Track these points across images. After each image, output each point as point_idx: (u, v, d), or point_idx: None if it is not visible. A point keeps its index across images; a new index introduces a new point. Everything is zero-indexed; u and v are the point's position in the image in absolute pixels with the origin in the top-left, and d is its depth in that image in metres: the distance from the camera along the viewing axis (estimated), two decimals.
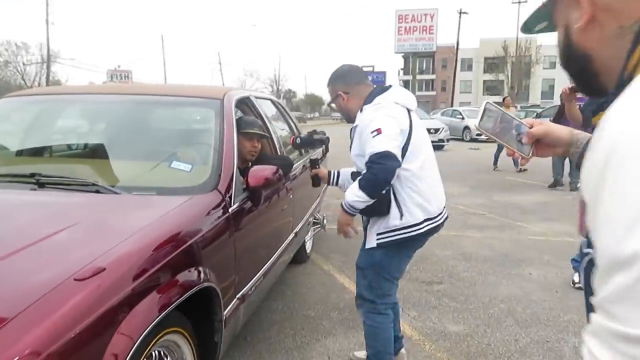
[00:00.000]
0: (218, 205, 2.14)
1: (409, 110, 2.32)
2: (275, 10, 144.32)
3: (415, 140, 2.26)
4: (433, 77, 66.87)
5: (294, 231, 3.35)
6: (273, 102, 4.05)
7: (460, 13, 45.26)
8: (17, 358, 1.14)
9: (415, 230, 2.25)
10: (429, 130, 14.97)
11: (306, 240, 4.45)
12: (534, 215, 6.56)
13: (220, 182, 2.24)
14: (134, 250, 1.60)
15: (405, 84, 61.98)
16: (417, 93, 61.74)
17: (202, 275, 1.84)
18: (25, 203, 1.94)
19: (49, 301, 1.30)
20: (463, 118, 22.31)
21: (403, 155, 2.20)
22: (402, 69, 65.97)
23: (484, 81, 60.97)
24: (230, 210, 2.20)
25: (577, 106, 3.97)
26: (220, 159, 2.36)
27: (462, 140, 21.72)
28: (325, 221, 4.57)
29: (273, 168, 2.51)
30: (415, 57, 38.70)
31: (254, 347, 2.89)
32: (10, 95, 2.92)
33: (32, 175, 2.10)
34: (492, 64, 57.01)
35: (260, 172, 2.48)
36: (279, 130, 3.79)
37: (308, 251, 4.52)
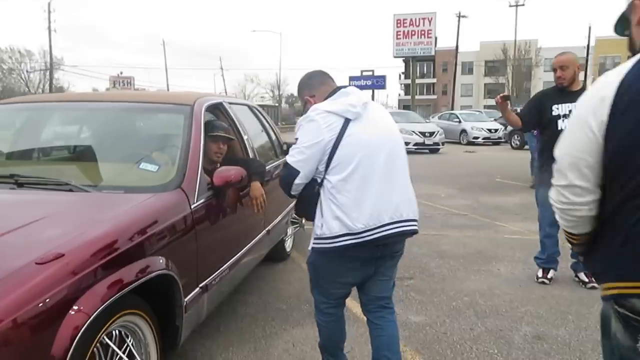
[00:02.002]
0: (180, 202, 2.35)
1: (347, 119, 2.17)
2: (275, 15, 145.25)
3: (345, 151, 2.13)
4: (434, 80, 67.07)
5: (266, 229, 3.55)
6: (250, 107, 4.27)
7: (459, 17, 45.54)
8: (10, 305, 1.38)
9: (330, 243, 2.13)
10: (423, 133, 15.29)
11: (285, 239, 4.66)
12: (513, 215, 6.75)
13: (184, 181, 2.46)
14: (93, 239, 1.82)
15: (406, 88, 62.31)
16: (418, 97, 61.90)
17: (159, 263, 2.05)
18: (3, 200, 2.17)
19: (12, 279, 1.51)
20: (460, 121, 22.54)
21: (327, 166, 2.14)
22: (403, 73, 66.24)
23: (485, 84, 61.23)
24: (192, 207, 2.41)
25: (514, 111, 4.18)
26: (186, 160, 2.57)
27: (460, 143, 21.93)
28: (303, 221, 4.76)
29: (238, 169, 2.73)
30: (415, 61, 38.94)
31: (226, 337, 3.09)
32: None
33: (12, 176, 2.32)
34: (493, 67, 57.29)
35: (225, 172, 2.70)
36: (256, 134, 4.01)
37: (288, 249, 4.72)
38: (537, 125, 4.06)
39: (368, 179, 2.14)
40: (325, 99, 2.29)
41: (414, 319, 3.41)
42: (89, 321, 1.64)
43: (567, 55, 3.93)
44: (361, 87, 39.69)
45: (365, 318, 2.54)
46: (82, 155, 2.87)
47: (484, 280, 4.20)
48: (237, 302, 3.60)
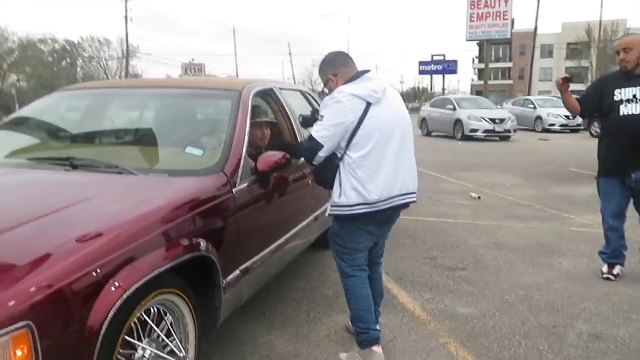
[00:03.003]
0: (221, 186, 2.40)
1: (369, 103, 2.45)
2: (343, 0, 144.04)
3: (365, 132, 2.43)
4: (510, 65, 64.34)
5: (314, 215, 3.57)
6: (302, 93, 4.28)
7: None
8: (34, 288, 1.48)
9: (349, 211, 2.49)
10: (493, 120, 14.81)
11: None
12: (584, 207, 6.37)
13: (227, 166, 2.51)
14: (131, 219, 1.91)
15: (480, 73, 60.16)
16: (493, 82, 59.68)
17: (197, 245, 2.11)
18: (57, 181, 2.31)
19: (52, 256, 1.62)
20: (535, 108, 21.53)
21: (349, 144, 2.45)
22: (477, 57, 63.98)
23: (566, 68, 57.83)
24: (234, 191, 2.46)
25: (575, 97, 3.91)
26: (230, 145, 2.62)
27: (534, 131, 20.97)
28: None
29: (282, 155, 2.76)
30: (489, 45, 37.46)
31: (269, 321, 3.15)
32: (61, 89, 3.39)
33: (68, 159, 2.47)
34: (575, 50, 54.02)
35: (269, 157, 2.73)
36: None
37: None
38: (597, 111, 3.82)
39: (383, 157, 2.48)
40: (347, 80, 2.56)
41: (462, 310, 3.32)
42: (124, 296, 1.72)
43: (632, 36, 3.68)
44: (432, 72, 38.93)
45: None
46: (133, 139, 3.01)
47: (542, 274, 4.01)
48: (285, 288, 3.65)
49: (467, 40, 34.63)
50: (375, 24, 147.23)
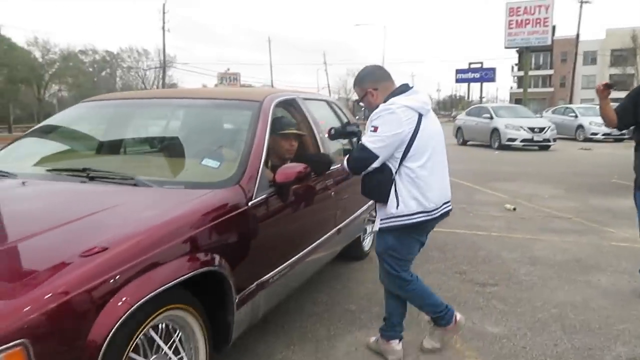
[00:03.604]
0: (236, 198, 2.35)
1: (421, 115, 2.57)
2: (379, 7, 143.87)
3: (420, 142, 2.54)
4: (551, 72, 62.78)
5: (337, 227, 3.49)
6: (328, 103, 4.22)
7: (581, 2, 42.15)
8: (30, 304, 1.46)
9: (408, 220, 2.56)
10: (532, 129, 14.48)
11: (364, 238, 4.57)
12: (626, 221, 6.05)
13: (243, 178, 2.46)
14: (139, 233, 1.87)
15: (519, 81, 58.88)
16: (533, 90, 58.33)
17: (207, 259, 2.06)
18: (73, 193, 2.32)
19: (55, 270, 1.60)
20: (576, 116, 20.88)
21: (405, 154, 2.53)
22: (516, 65, 62.70)
23: (610, 75, 55.96)
24: (250, 203, 2.41)
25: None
26: (247, 157, 2.58)
27: (575, 140, 20.33)
28: None
29: (302, 167, 2.69)
30: (529, 52, 36.64)
31: (288, 334, 3.08)
32: (86, 100, 3.43)
33: (84, 169, 2.47)
34: (620, 57, 52.27)
35: (288, 169, 2.67)
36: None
37: (366, 248, 4.62)
38: (633, 122, 3.60)
39: (435, 165, 2.62)
40: (390, 95, 2.63)
41: (491, 329, 3.17)
42: (129, 312, 1.68)
43: None
44: (469, 80, 38.33)
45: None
46: (152, 150, 3.02)
47: (579, 291, 3.81)
48: (306, 301, 3.58)
49: (506, 48, 34.01)
50: (411, 32, 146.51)
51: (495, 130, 16.51)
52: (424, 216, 2.58)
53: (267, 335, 3.05)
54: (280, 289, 2.76)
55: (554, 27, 39.80)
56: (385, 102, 2.61)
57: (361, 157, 2.55)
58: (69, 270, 1.61)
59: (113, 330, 1.64)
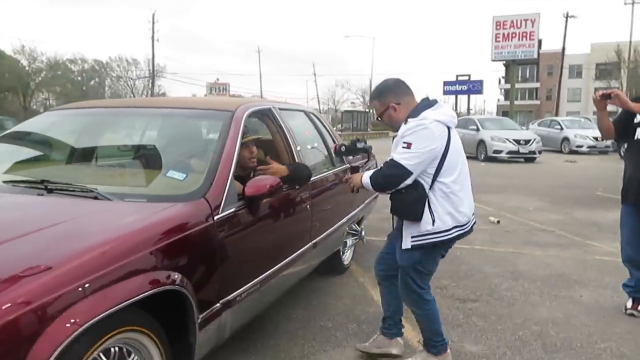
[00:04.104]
0: (200, 213, 2.24)
1: (449, 128, 2.54)
2: (369, 19, 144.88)
3: (452, 157, 2.51)
4: (537, 85, 63.45)
5: (313, 242, 3.38)
6: (306, 113, 4.13)
7: (566, 17, 42.66)
8: None
9: (445, 236, 2.54)
10: (518, 141, 14.51)
11: (344, 251, 4.46)
12: (610, 234, 5.98)
13: (209, 191, 2.35)
14: (89, 250, 1.75)
15: (506, 93, 59.41)
16: (520, 102, 58.89)
17: (166, 277, 1.95)
18: (28, 206, 2.20)
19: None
20: (562, 129, 21.02)
21: (439, 170, 2.49)
22: (503, 77, 63.29)
23: (595, 89, 56.46)
24: (215, 218, 2.29)
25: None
26: (215, 169, 2.47)
27: (561, 152, 20.43)
28: (363, 232, 4.53)
29: (274, 179, 2.59)
30: (515, 65, 37.03)
31: (261, 354, 2.95)
32: (53, 109, 3.30)
33: (42, 181, 2.35)
34: (605, 70, 52.89)
35: (259, 182, 2.57)
36: (309, 141, 3.87)
37: (346, 262, 4.51)
38: (626, 134, 3.53)
39: (465, 179, 2.62)
40: (413, 109, 2.57)
41: (469, 348, 3.07)
42: (73, 336, 1.56)
43: None
44: (456, 92, 38.56)
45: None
46: (116, 161, 2.90)
47: (561, 307, 3.73)
48: (282, 317, 3.45)
49: (492, 60, 34.47)
50: (399, 44, 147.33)
51: (481, 142, 16.54)
52: (458, 230, 2.57)
53: (237, 354, 2.92)
54: (250, 306, 2.64)
55: (540, 41, 40.25)
56: (411, 117, 2.53)
57: (395, 174, 2.46)
58: (8, 291, 1.49)
59: (55, 355, 1.51)
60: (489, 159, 16.18)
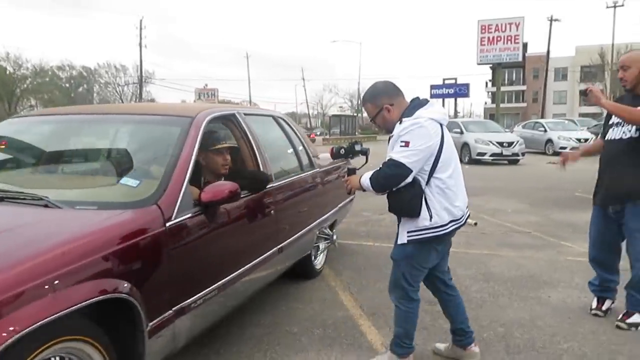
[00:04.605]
0: (152, 219, 2.23)
1: (441, 125, 2.62)
2: (356, 24, 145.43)
3: (446, 153, 2.60)
4: (524, 88, 64.05)
5: (279, 246, 3.37)
6: (275, 118, 4.12)
7: (551, 20, 43.13)
8: None
9: (442, 230, 2.61)
10: (501, 143, 14.58)
11: (315, 256, 4.46)
12: (584, 235, 5.99)
13: (162, 198, 2.34)
14: (29, 257, 1.74)
15: (493, 96, 59.87)
16: (507, 105, 59.36)
17: (112, 285, 1.93)
18: None
19: None
20: (545, 130, 21.17)
21: (435, 166, 2.56)
22: (490, 80, 63.81)
23: (580, 91, 57.08)
24: (167, 225, 2.28)
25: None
26: (170, 175, 2.46)
27: (545, 154, 20.57)
28: (335, 236, 4.53)
29: (231, 185, 2.58)
30: (502, 68, 37.25)
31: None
32: (15, 116, 3.27)
33: None
34: (589, 73, 53.45)
35: (216, 188, 2.56)
36: (276, 146, 3.87)
37: (319, 267, 4.51)
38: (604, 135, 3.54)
39: (459, 174, 2.71)
40: (406, 109, 2.65)
41: (433, 351, 3.07)
42: (6, 344, 1.54)
43: (630, 53, 3.42)
44: (443, 96, 38.73)
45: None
46: (71, 169, 2.88)
47: (528, 308, 3.75)
48: (248, 323, 3.44)
49: (478, 64, 34.61)
50: (387, 48, 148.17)
51: (465, 145, 16.62)
52: (454, 224, 2.67)
53: None
54: (208, 312, 2.62)
55: (525, 44, 40.57)
56: (405, 116, 2.60)
57: (396, 173, 2.52)
58: None
59: None
60: (473, 162, 16.26)
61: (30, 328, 1.62)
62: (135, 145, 2.96)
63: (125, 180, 2.45)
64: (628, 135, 3.26)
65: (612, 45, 39.97)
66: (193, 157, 2.63)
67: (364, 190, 2.73)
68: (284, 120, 4.23)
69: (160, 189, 2.39)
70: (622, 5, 39.97)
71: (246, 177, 3.08)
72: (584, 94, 3.41)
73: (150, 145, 2.92)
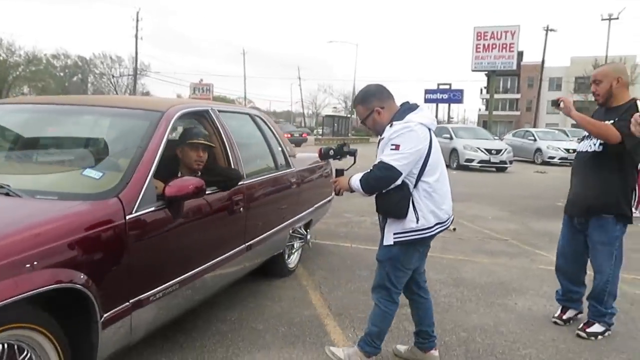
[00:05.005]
0: (111, 212, 2.25)
1: (430, 130, 2.69)
2: (353, 26, 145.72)
3: (434, 157, 2.67)
4: (518, 96, 64.35)
5: (247, 244, 3.39)
6: (251, 116, 4.15)
7: (546, 30, 43.47)
8: None
9: (427, 233, 2.68)
10: (489, 151, 14.66)
11: (289, 254, 4.49)
12: None
13: (124, 190, 2.36)
14: None
15: (487, 103, 60.17)
16: (500, 112, 59.67)
17: (63, 275, 1.95)
18: None
19: None
20: (535, 140, 21.34)
21: (423, 170, 2.63)
22: (485, 87, 64.09)
23: (574, 102, 57.29)
24: (127, 217, 2.30)
25: None
26: (134, 169, 2.48)
27: (533, 162, 20.74)
28: (309, 236, 4.56)
29: (196, 181, 2.60)
30: (496, 76, 37.43)
31: (183, 354, 2.96)
32: None
33: None
34: (583, 84, 53.78)
35: (180, 183, 2.58)
36: (251, 144, 3.89)
37: (292, 265, 4.54)
38: None
39: (445, 178, 2.77)
40: (396, 113, 2.72)
41: (393, 352, 3.11)
42: None
43: (603, 67, 3.46)
44: (437, 101, 38.86)
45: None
46: (36, 159, 2.90)
47: (493, 314, 3.80)
48: (215, 318, 3.46)
49: (473, 70, 34.73)
50: (383, 50, 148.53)
51: (454, 151, 16.73)
52: (439, 227, 2.72)
53: (160, 354, 2.92)
54: (169, 306, 2.64)
55: (521, 53, 40.75)
56: (395, 120, 2.66)
57: (386, 175, 2.57)
58: None
59: None
60: (461, 168, 16.36)
61: None
62: (103, 137, 2.98)
63: (88, 171, 2.46)
64: (592, 149, 3.31)
65: (606, 57, 40.31)
66: (159, 152, 2.65)
67: (352, 192, 2.77)
68: (261, 119, 4.25)
69: (123, 181, 2.41)
70: (617, 19, 40.31)
71: (217, 174, 3.11)
72: (555, 104, 3.45)
73: (119, 138, 2.94)
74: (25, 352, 1.93)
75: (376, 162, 2.63)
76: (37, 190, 2.33)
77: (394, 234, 2.67)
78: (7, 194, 2.26)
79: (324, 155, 3.18)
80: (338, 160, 3.37)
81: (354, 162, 3.25)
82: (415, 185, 2.64)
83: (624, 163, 3.21)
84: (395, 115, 2.70)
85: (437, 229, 2.71)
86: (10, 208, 2.14)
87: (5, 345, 1.84)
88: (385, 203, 2.68)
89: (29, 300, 1.84)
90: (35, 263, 1.87)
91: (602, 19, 39.75)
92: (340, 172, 2.94)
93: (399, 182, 2.58)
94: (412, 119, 2.63)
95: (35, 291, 1.83)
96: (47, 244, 1.94)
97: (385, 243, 2.74)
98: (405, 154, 2.55)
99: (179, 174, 3.00)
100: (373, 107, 2.77)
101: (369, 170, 2.66)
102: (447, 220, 2.78)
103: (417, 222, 2.63)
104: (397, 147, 2.56)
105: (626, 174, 3.25)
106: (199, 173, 3.07)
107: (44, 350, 1.96)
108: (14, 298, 1.76)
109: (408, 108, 2.73)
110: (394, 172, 2.55)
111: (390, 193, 2.63)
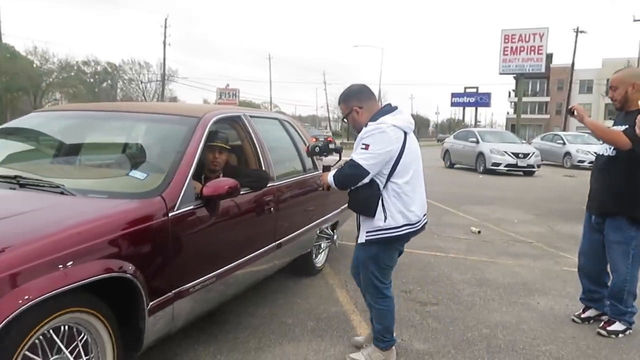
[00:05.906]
0: (155, 209, 2.46)
1: (406, 133, 2.77)
2: (379, 29, 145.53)
3: (406, 160, 2.75)
4: (547, 99, 63.32)
5: (277, 242, 3.58)
6: (280, 121, 4.35)
7: (576, 32, 42.82)
8: None
9: (395, 232, 2.76)
10: (517, 154, 14.57)
11: (316, 254, 4.66)
12: None
13: (167, 190, 2.57)
14: (43, 236, 1.98)
15: (515, 106, 59.47)
16: (529, 116, 58.89)
17: (115, 265, 2.16)
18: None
19: None
20: (564, 143, 21.07)
21: (393, 171, 2.72)
22: (513, 90, 63.30)
23: (606, 105, 56.40)
24: (170, 214, 2.51)
25: None
26: (175, 170, 2.69)
27: (562, 166, 20.49)
28: (336, 237, 4.73)
29: (231, 182, 2.80)
30: (525, 79, 37.02)
31: (219, 344, 3.16)
32: (38, 110, 3.56)
33: (15, 177, 2.59)
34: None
35: (217, 183, 2.79)
36: (280, 148, 4.09)
37: (319, 265, 4.71)
38: None
39: (417, 181, 2.84)
40: (375, 114, 2.82)
41: (417, 346, 3.25)
42: (19, 310, 1.78)
43: (618, 73, 3.55)
44: (464, 104, 38.70)
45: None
46: (87, 161, 3.15)
47: (515, 313, 3.90)
48: (246, 313, 3.66)
49: (500, 74, 34.42)
50: (410, 54, 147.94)
51: (480, 154, 16.68)
52: (408, 228, 2.79)
53: (197, 344, 3.13)
54: (206, 298, 2.84)
55: (550, 55, 40.21)
56: (371, 120, 2.77)
57: (353, 173, 2.71)
58: None
59: (3, 324, 1.73)
60: (488, 171, 16.30)
61: (42, 297, 1.85)
62: (146, 141, 3.21)
63: (133, 173, 2.69)
64: (607, 153, 3.42)
65: (638, 59, 39.39)
66: (197, 154, 2.87)
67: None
68: (289, 123, 4.45)
69: (165, 182, 2.62)
70: None
71: (248, 176, 3.31)
72: (570, 112, 3.57)
73: (160, 142, 3.16)
74: (82, 334, 2.14)
75: (348, 160, 2.78)
76: (88, 189, 2.56)
77: (367, 232, 2.80)
78: (62, 193, 2.49)
79: (310, 152, 3.29)
80: (324, 156, 3.54)
81: (340, 158, 3.43)
82: (385, 186, 2.73)
83: (637, 167, 3.31)
84: (373, 116, 2.80)
85: (405, 229, 2.78)
86: (67, 205, 2.37)
87: (66, 327, 2.06)
88: (355, 200, 2.81)
89: (86, 287, 2.06)
90: (90, 254, 2.09)
91: (634, 20, 38.85)
92: (327, 169, 3.09)
93: (366, 180, 2.69)
94: (386, 120, 2.72)
95: (92, 279, 2.05)
96: (100, 237, 2.16)
97: (359, 241, 2.88)
98: (373, 154, 2.65)
99: (203, 176, 3.21)
100: (352, 106, 2.89)
101: (341, 167, 2.82)
102: (417, 223, 2.84)
103: (385, 221, 2.73)
104: (366, 146, 2.67)
105: (637, 177, 3.34)
106: (221, 174, 3.26)
107: (98, 333, 2.18)
108: (73, 285, 1.97)
109: (386, 110, 2.82)
110: (361, 170, 2.67)
111: (359, 190, 2.75)
